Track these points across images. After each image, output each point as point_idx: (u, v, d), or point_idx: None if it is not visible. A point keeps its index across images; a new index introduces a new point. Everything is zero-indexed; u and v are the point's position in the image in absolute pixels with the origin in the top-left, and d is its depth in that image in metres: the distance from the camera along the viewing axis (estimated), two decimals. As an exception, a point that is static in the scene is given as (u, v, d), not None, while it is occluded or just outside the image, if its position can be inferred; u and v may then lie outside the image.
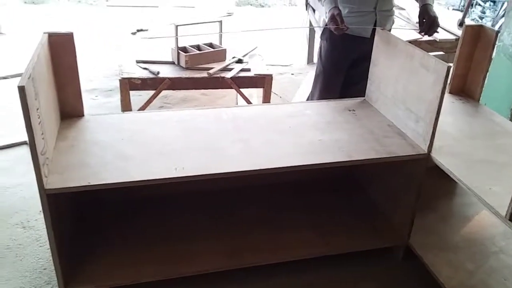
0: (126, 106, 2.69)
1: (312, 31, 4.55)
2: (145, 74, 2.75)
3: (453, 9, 6.85)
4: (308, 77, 4.10)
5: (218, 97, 3.78)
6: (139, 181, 1.57)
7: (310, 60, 4.76)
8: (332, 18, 2.15)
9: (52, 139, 1.71)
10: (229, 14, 6.68)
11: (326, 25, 2.30)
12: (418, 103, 1.86)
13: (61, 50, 1.78)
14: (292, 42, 5.37)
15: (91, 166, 1.61)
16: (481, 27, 2.28)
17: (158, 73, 2.75)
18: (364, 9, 2.39)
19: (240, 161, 1.71)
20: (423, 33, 2.37)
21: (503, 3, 6.01)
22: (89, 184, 1.52)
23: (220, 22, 3.09)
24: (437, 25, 2.32)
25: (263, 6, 8.49)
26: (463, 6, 6.41)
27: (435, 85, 1.75)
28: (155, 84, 2.72)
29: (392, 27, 2.62)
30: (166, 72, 2.81)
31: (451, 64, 2.17)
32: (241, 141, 1.85)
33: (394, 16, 2.62)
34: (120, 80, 2.66)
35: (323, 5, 2.29)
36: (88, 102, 3.65)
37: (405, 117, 1.96)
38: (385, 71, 2.10)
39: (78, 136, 1.81)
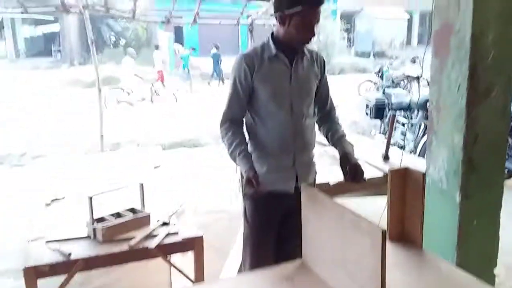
0: (31, 300, 2.28)
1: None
2: (54, 258, 2.39)
3: (377, 133, 7.19)
4: (239, 234, 3.89)
5: (150, 269, 3.35)
6: None
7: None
8: (249, 182, 2.02)
9: None
10: (156, 167, 6.23)
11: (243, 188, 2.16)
12: (359, 271, 1.66)
13: None
14: (226, 184, 5.27)
15: None
16: (406, 169, 2.22)
17: (69, 254, 2.41)
18: (283, 163, 2.29)
19: None
20: (350, 181, 2.29)
21: (420, 125, 6.40)
22: None
23: (141, 185, 2.89)
24: (362, 172, 2.26)
25: (196, 146, 8.48)
26: (386, 129, 6.66)
27: (373, 250, 1.58)
28: (67, 268, 2.37)
29: (318, 172, 2.54)
30: (79, 251, 2.46)
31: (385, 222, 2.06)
32: None
33: (322, 151, 2.56)
34: (23, 270, 2.28)
35: (237, 164, 2.16)
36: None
37: (348, 285, 1.74)
38: (318, 231, 1.92)
39: None
